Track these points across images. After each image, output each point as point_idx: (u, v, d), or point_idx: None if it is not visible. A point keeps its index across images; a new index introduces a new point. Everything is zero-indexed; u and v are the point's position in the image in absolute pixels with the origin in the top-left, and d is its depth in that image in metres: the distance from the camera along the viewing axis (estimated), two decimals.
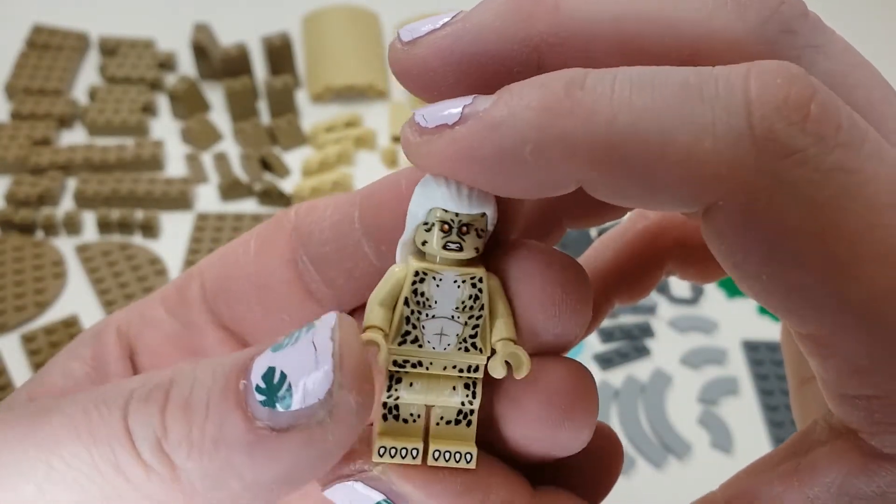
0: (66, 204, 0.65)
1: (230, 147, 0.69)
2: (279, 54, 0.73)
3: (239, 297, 0.19)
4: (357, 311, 0.19)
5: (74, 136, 0.70)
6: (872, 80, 0.16)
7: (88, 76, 0.75)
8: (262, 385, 0.14)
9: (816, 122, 0.14)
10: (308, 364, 0.14)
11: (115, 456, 0.14)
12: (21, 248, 0.61)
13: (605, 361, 0.56)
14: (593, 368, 0.56)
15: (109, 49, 0.76)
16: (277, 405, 0.14)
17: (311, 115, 0.72)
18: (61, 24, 0.77)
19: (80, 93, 0.73)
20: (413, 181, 0.17)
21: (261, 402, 0.14)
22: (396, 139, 0.71)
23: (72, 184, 0.65)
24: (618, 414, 0.52)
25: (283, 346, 0.14)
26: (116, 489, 0.14)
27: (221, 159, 0.67)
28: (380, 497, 0.17)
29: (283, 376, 0.14)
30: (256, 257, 0.19)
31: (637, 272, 0.23)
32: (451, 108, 0.15)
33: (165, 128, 0.71)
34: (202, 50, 0.72)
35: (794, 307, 0.14)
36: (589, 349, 0.57)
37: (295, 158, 0.68)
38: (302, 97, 0.74)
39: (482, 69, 0.16)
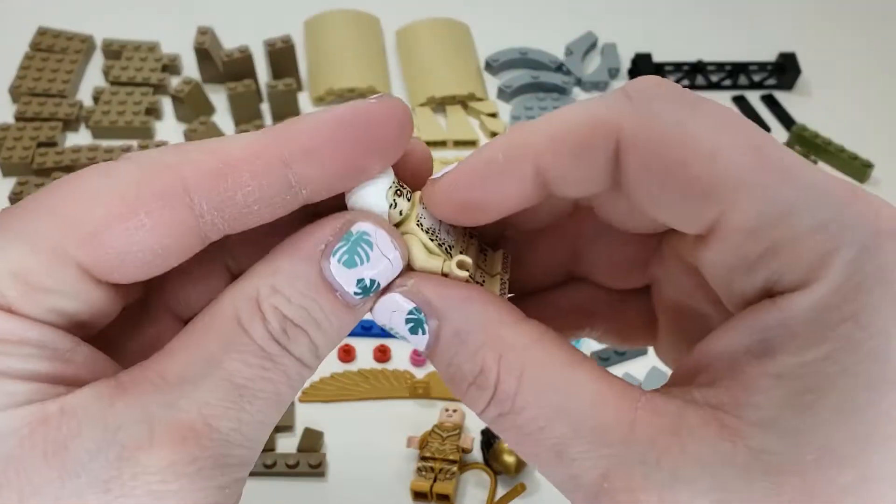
0: None
1: None
2: (282, 57, 0.73)
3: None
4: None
5: (79, 139, 0.70)
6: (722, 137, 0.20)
7: (93, 79, 0.75)
8: (359, 291, 0.21)
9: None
10: (389, 271, 0.22)
11: (301, 377, 0.22)
12: None
13: (603, 360, 0.57)
14: None
15: (114, 52, 0.76)
16: (371, 294, 0.22)
17: None
18: (66, 27, 0.78)
19: (84, 95, 0.74)
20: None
21: (359, 298, 0.21)
22: None
23: None
24: None
25: (356, 263, 0.21)
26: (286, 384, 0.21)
27: None
28: (412, 305, 0.22)
29: (374, 281, 0.21)
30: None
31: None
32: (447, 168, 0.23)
33: (169, 130, 0.71)
34: (206, 53, 0.72)
35: (693, 208, 0.20)
36: (586, 348, 0.57)
37: None
38: (304, 100, 0.74)
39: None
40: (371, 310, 0.23)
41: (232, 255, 0.24)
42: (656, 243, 0.25)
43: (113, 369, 0.21)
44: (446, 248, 0.23)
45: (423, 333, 0.22)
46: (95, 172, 0.21)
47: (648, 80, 0.21)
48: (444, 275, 0.22)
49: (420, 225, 0.23)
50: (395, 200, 0.22)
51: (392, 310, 0.22)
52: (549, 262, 0.27)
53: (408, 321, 0.22)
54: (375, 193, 0.22)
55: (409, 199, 0.23)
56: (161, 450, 0.19)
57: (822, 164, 0.72)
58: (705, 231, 0.20)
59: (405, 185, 0.23)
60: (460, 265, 0.22)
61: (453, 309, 0.21)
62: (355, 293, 0.21)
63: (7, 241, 0.20)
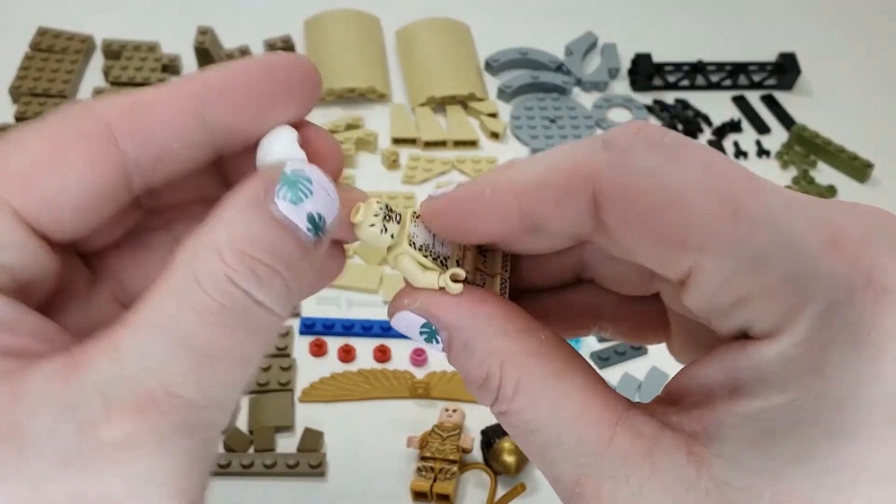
0: None
1: None
2: None
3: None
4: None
5: None
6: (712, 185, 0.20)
7: (93, 79, 0.75)
8: (310, 226, 0.21)
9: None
10: (329, 202, 0.22)
11: (273, 330, 0.22)
12: None
13: (603, 360, 0.57)
14: None
15: (113, 52, 0.76)
16: (320, 233, 0.22)
17: (313, 118, 0.73)
18: (66, 27, 0.78)
19: (84, 95, 0.74)
20: None
21: (311, 236, 0.21)
22: (397, 141, 0.71)
23: None
24: None
25: (302, 198, 0.21)
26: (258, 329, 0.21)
27: None
28: (423, 321, 0.23)
29: (321, 216, 0.22)
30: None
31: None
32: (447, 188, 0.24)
33: None
34: (206, 53, 0.72)
35: (672, 258, 0.20)
36: (587, 347, 0.57)
37: None
38: None
39: None
40: (390, 319, 0.24)
41: (174, 235, 0.26)
42: None
43: (62, 339, 0.21)
44: (441, 261, 0.24)
45: (438, 343, 0.24)
46: (26, 126, 0.22)
47: (628, 128, 0.21)
48: (441, 288, 0.24)
49: (413, 244, 0.24)
50: (384, 226, 0.23)
51: (406, 324, 0.24)
52: (556, 269, 0.27)
53: (422, 333, 0.24)
54: (283, 141, 0.23)
55: (398, 222, 0.24)
56: (120, 421, 0.19)
57: (822, 164, 0.72)
58: (682, 277, 0.20)
59: (393, 209, 0.24)
60: (454, 278, 0.23)
61: (460, 324, 0.23)
62: (308, 229, 0.21)
63: None
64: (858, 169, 0.70)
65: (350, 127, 0.72)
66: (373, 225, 0.23)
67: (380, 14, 0.82)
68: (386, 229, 0.23)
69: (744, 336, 0.20)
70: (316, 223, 0.21)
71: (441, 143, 0.71)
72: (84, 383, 0.19)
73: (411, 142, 0.72)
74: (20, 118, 0.70)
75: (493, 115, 0.74)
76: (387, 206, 0.24)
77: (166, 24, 0.79)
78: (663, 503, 0.20)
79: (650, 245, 0.20)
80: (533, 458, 0.23)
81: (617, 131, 0.21)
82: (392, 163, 0.69)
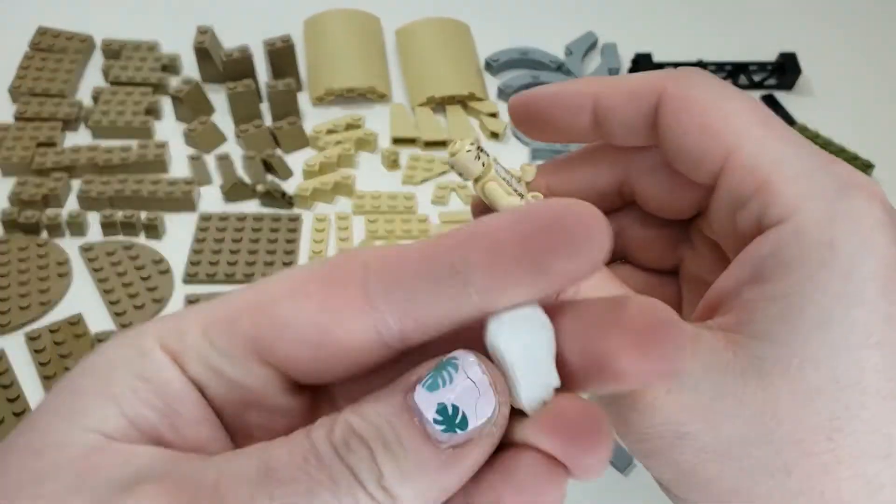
0: (71, 205, 0.65)
1: (233, 149, 0.70)
2: (281, 57, 0.73)
3: (300, 344, 0.20)
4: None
5: (78, 139, 0.70)
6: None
7: (92, 78, 0.75)
8: (440, 418, 0.18)
9: None
10: (472, 395, 0.19)
11: (356, 499, 0.18)
12: (25, 249, 0.61)
13: None
14: None
15: (113, 51, 0.76)
16: (457, 430, 0.18)
17: (313, 118, 0.73)
18: (65, 27, 0.78)
19: (84, 95, 0.74)
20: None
21: (441, 430, 0.18)
22: (397, 141, 0.71)
23: (76, 185, 0.66)
24: None
25: (439, 386, 0.19)
26: None
27: (224, 161, 0.68)
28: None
29: (456, 408, 0.18)
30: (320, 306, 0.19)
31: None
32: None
33: (169, 130, 0.71)
34: (205, 53, 0.72)
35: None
36: None
37: (297, 160, 0.69)
38: (304, 100, 0.74)
39: None
40: None
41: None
42: (684, 231, 0.29)
43: (216, 445, 0.20)
44: (519, 194, 0.27)
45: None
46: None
47: (692, 69, 0.26)
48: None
49: (497, 174, 0.26)
50: (478, 154, 0.26)
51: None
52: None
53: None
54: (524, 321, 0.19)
55: (488, 156, 0.26)
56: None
57: None
58: (713, 178, 0.24)
59: (482, 149, 0.26)
60: (534, 196, 0.27)
61: None
62: (434, 420, 0.18)
63: (197, 307, 0.20)
64: (858, 169, 0.70)
65: (350, 127, 0.72)
66: (469, 151, 0.25)
67: (380, 14, 0.82)
68: (479, 157, 0.26)
69: (759, 233, 0.23)
70: (449, 417, 0.18)
71: (441, 143, 0.71)
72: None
73: (411, 142, 0.71)
74: (20, 117, 0.70)
75: (493, 115, 0.73)
76: (478, 145, 0.26)
77: (166, 24, 0.79)
78: (703, 381, 0.22)
79: (697, 137, 0.24)
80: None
81: (684, 69, 0.26)
82: (392, 163, 0.69)
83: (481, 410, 0.19)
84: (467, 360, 0.19)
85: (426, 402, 0.18)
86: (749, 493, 0.22)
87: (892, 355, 0.21)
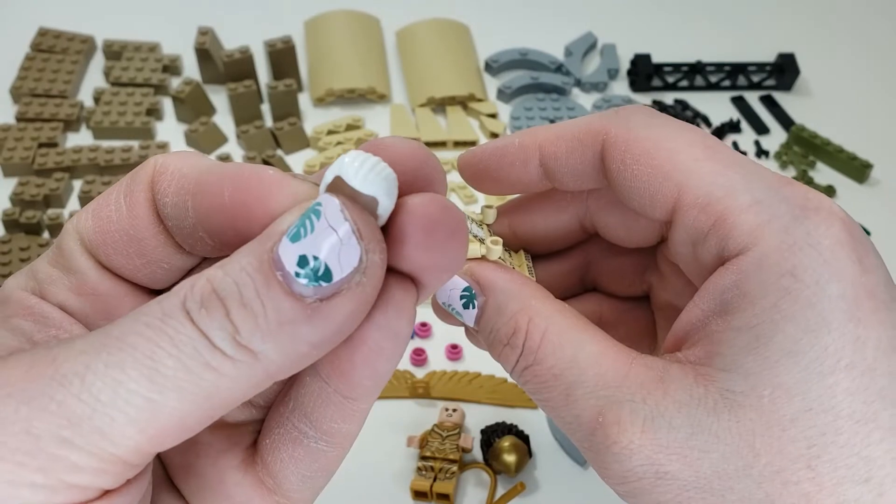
0: (72, 205, 0.66)
1: (234, 150, 0.70)
2: (282, 58, 0.73)
3: (117, 248, 0.21)
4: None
5: (80, 139, 0.71)
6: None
7: (93, 79, 0.76)
8: (301, 270, 0.17)
9: None
10: (334, 244, 0.18)
11: (203, 357, 0.17)
12: (27, 249, 0.62)
13: None
14: None
15: (114, 52, 0.77)
16: (321, 282, 0.18)
17: (314, 118, 0.73)
18: (66, 28, 0.78)
19: (85, 96, 0.74)
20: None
21: (304, 283, 0.17)
22: None
23: (77, 186, 0.66)
24: None
25: (301, 236, 0.18)
26: (213, 383, 0.17)
27: (225, 161, 0.68)
28: (465, 284, 0.26)
29: (316, 259, 0.18)
30: (128, 212, 0.21)
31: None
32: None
33: (170, 131, 0.72)
34: (206, 54, 0.73)
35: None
36: None
37: (297, 161, 0.69)
38: (304, 100, 0.75)
39: None
40: None
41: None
42: (650, 257, 0.30)
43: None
44: (479, 239, 0.27)
45: (473, 308, 0.26)
46: None
47: (634, 105, 0.26)
48: (482, 257, 0.26)
49: None
50: None
51: (450, 287, 0.26)
52: (565, 273, 0.31)
53: (462, 297, 0.26)
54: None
55: None
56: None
57: (820, 165, 0.72)
58: (668, 215, 0.24)
59: None
60: (494, 242, 0.27)
61: (497, 287, 0.26)
62: (296, 273, 0.17)
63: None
64: (857, 169, 0.70)
65: (350, 127, 0.72)
66: None
67: (380, 14, 0.82)
68: None
69: (721, 265, 0.23)
70: (313, 271, 0.18)
71: (441, 144, 0.71)
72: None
73: None
74: (21, 118, 0.70)
75: (493, 116, 0.74)
76: None
77: (167, 25, 0.80)
78: (677, 419, 0.22)
79: (646, 180, 0.24)
80: (553, 405, 0.24)
81: (626, 107, 0.26)
82: None
83: (345, 260, 0.18)
84: (330, 206, 0.18)
85: (289, 254, 0.18)
86: None
87: (863, 377, 0.21)
